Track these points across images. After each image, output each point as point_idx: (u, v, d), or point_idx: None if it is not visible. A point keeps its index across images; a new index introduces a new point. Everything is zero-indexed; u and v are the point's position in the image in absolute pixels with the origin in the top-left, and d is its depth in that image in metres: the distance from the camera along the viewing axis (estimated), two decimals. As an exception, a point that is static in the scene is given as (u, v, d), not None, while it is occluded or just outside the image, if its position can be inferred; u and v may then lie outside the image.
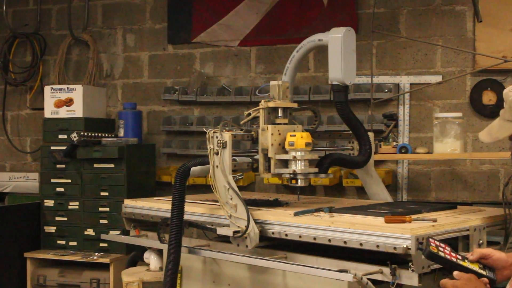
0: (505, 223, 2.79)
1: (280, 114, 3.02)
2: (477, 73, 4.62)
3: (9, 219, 5.02)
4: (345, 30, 3.08)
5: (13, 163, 5.98)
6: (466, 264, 2.16)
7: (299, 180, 2.89)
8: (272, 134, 2.89)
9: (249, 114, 3.02)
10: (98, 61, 5.67)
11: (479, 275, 2.12)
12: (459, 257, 2.18)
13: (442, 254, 2.16)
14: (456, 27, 4.70)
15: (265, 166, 2.92)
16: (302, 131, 2.95)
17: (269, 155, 2.90)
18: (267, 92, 3.12)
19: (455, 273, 2.13)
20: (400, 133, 4.74)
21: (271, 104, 2.99)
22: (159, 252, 3.45)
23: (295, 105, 3.11)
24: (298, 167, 2.86)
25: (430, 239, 2.19)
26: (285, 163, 2.90)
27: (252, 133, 2.96)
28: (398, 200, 4.64)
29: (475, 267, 2.15)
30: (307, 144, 2.85)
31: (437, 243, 2.18)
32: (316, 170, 2.95)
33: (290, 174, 2.87)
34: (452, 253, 2.18)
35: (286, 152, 2.89)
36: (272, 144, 2.89)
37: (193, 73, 5.40)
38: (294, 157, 2.85)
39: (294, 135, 2.86)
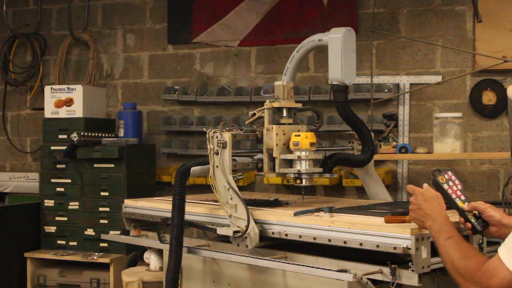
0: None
1: (284, 114, 3.04)
2: (477, 73, 4.62)
3: (9, 219, 5.02)
4: (345, 30, 3.08)
5: (13, 163, 5.98)
6: (461, 205, 2.33)
7: (303, 180, 2.89)
8: (277, 134, 2.91)
9: (254, 114, 3.03)
10: (98, 61, 5.67)
11: (467, 220, 2.31)
12: (462, 198, 2.34)
13: (446, 187, 2.35)
14: (456, 27, 4.71)
15: (269, 166, 2.93)
16: (307, 131, 2.96)
17: (274, 155, 2.91)
18: (268, 92, 3.12)
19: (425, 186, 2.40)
20: (400, 133, 4.74)
21: (276, 104, 3.01)
22: (159, 252, 3.45)
23: (299, 105, 3.13)
24: (303, 167, 2.87)
25: (449, 172, 2.38)
26: (289, 163, 2.90)
27: (257, 133, 2.97)
28: (398, 200, 4.65)
29: (469, 213, 2.32)
30: (311, 144, 2.87)
31: (453, 178, 2.37)
32: (321, 170, 2.96)
33: (294, 174, 2.88)
34: (458, 192, 2.35)
35: (291, 152, 2.89)
36: (276, 144, 2.90)
37: (193, 73, 5.41)
38: (299, 157, 2.86)
39: (299, 135, 2.87)
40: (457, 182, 2.38)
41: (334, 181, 4.79)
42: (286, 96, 3.06)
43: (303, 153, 2.86)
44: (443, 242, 2.18)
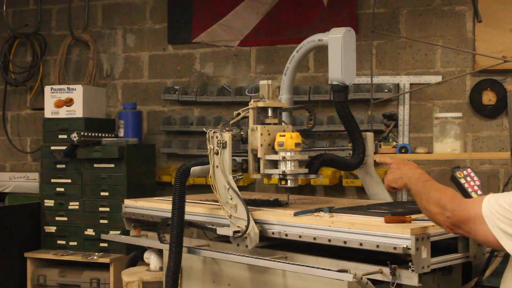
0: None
1: (270, 114, 3.00)
2: (477, 73, 4.62)
3: (9, 219, 5.02)
4: (345, 30, 3.07)
5: (13, 163, 5.98)
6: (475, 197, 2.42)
7: (288, 181, 2.87)
8: (261, 134, 2.88)
9: (239, 114, 3.01)
10: (98, 61, 5.67)
11: None
12: (479, 193, 2.46)
13: (463, 181, 2.49)
14: (456, 27, 4.71)
15: (254, 167, 2.90)
16: (293, 131, 2.94)
17: (259, 156, 2.87)
18: (252, 92, 3.11)
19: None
20: (400, 133, 4.74)
21: (260, 104, 2.98)
22: (159, 252, 3.45)
23: (284, 105, 3.11)
24: (288, 167, 2.84)
25: (469, 169, 2.51)
26: (274, 164, 2.88)
27: (242, 133, 2.94)
28: (398, 200, 4.64)
29: None
30: (296, 145, 2.83)
31: (471, 174, 2.50)
32: (306, 170, 2.93)
33: (279, 174, 2.86)
34: (475, 187, 2.48)
35: (276, 153, 2.87)
36: (261, 145, 2.87)
37: (193, 73, 5.40)
38: (284, 157, 2.83)
39: (284, 135, 2.85)
40: (475, 178, 2.47)
41: (334, 181, 4.79)
42: (271, 96, 3.03)
43: (288, 153, 2.83)
44: (422, 183, 2.33)
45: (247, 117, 2.97)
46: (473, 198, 2.26)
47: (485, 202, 2.08)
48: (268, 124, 2.97)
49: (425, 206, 2.26)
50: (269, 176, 2.92)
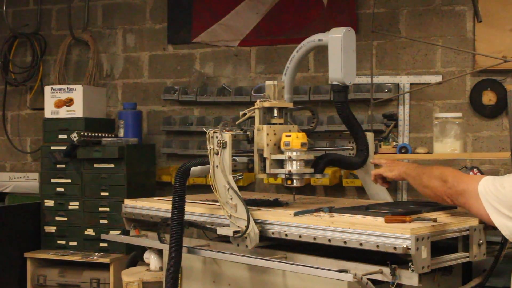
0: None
1: (275, 114, 3.00)
2: (477, 73, 4.62)
3: (9, 219, 5.02)
4: (345, 30, 3.07)
5: (13, 163, 5.98)
6: None
7: (294, 181, 2.88)
8: (267, 134, 2.88)
9: (245, 114, 3.01)
10: (98, 61, 5.67)
11: None
12: None
13: None
14: (456, 27, 4.71)
15: (260, 166, 2.91)
16: (298, 131, 2.94)
17: (265, 155, 2.88)
18: (259, 92, 3.11)
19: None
20: (400, 133, 4.74)
21: (266, 104, 2.98)
22: (159, 252, 3.45)
23: (290, 105, 3.11)
24: (294, 167, 2.84)
25: (475, 169, 2.79)
26: (280, 163, 2.88)
27: (248, 133, 2.95)
28: (398, 200, 4.64)
29: None
30: (302, 144, 2.84)
31: (478, 174, 2.73)
32: (312, 170, 2.94)
33: (285, 174, 2.86)
34: None
35: (282, 152, 2.88)
36: (267, 144, 2.88)
37: (193, 73, 5.40)
38: (290, 157, 2.84)
39: (290, 135, 2.85)
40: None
41: (334, 181, 4.79)
42: (277, 96, 3.04)
43: (294, 153, 2.83)
44: (421, 167, 2.68)
45: (253, 117, 2.98)
46: (473, 175, 2.47)
47: (483, 180, 2.36)
48: (274, 124, 2.97)
49: (426, 183, 2.57)
50: (275, 175, 2.93)
